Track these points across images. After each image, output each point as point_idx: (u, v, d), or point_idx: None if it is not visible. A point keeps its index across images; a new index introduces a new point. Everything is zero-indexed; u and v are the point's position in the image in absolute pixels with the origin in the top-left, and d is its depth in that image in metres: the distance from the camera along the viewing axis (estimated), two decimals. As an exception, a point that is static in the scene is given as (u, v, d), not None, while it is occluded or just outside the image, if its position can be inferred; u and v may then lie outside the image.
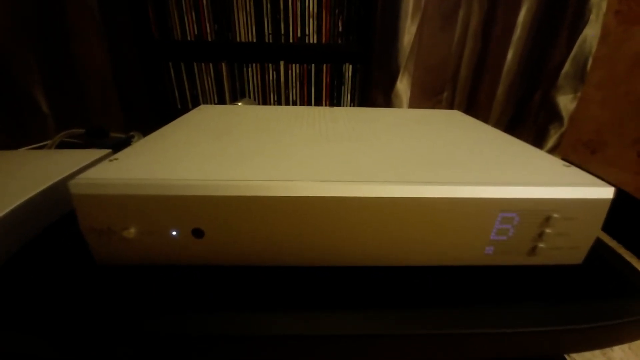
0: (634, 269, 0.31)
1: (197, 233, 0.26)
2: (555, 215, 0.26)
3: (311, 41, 1.20)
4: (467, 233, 0.26)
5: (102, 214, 0.25)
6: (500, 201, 0.25)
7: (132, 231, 0.25)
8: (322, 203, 0.25)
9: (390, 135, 0.38)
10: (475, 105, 1.33)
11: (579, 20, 1.11)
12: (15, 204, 0.30)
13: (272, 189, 0.24)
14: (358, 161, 0.30)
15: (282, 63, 1.22)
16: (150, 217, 0.25)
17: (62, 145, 0.74)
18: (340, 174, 0.26)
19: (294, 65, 1.23)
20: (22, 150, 0.60)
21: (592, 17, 1.09)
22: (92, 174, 0.25)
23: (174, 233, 0.26)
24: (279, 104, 1.28)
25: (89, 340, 0.24)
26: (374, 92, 1.28)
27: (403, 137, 0.38)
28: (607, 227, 0.27)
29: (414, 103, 1.31)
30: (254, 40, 1.19)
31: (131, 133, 0.73)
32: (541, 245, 0.27)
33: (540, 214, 0.26)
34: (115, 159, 0.28)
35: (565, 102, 1.21)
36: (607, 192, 0.26)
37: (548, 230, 0.26)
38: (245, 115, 0.45)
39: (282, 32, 1.18)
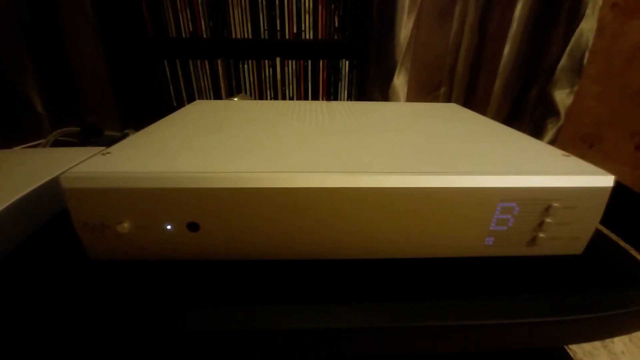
0: (634, 259, 0.31)
1: (192, 227, 0.25)
2: (556, 205, 0.26)
3: (307, 37, 1.19)
4: (466, 224, 0.26)
5: (95, 208, 0.24)
6: (499, 190, 0.25)
7: (125, 226, 0.24)
8: (319, 194, 0.24)
9: (388, 128, 0.38)
10: (472, 101, 1.33)
11: (576, 14, 1.11)
12: (9, 202, 0.30)
13: (268, 180, 0.24)
14: (356, 152, 0.29)
15: (278, 59, 1.21)
16: (144, 210, 0.24)
17: (56, 144, 0.73)
18: (337, 165, 0.26)
19: (290, 61, 1.22)
20: (16, 149, 0.60)
21: (589, 11, 1.09)
22: (84, 167, 0.25)
23: (169, 227, 0.25)
24: (276, 100, 1.27)
25: (87, 339, 0.23)
26: (371, 88, 1.27)
27: (401, 129, 0.38)
28: (605, 220, 0.27)
29: (411, 99, 1.31)
30: (250, 36, 1.18)
31: (126, 131, 0.73)
32: (541, 235, 0.27)
33: (540, 204, 0.26)
34: (108, 153, 0.28)
35: (562, 97, 1.21)
36: (607, 181, 0.26)
37: (548, 220, 0.26)
38: (241, 110, 0.44)
39: (278, 28, 1.17)
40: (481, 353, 0.34)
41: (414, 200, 0.25)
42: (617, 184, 0.26)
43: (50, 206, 0.34)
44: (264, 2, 1.13)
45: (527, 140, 0.34)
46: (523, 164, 0.28)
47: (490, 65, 1.25)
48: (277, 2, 1.14)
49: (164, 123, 0.37)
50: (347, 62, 1.23)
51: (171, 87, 1.24)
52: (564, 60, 1.17)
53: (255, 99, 1.26)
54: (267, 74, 1.24)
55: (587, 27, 1.11)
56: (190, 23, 1.15)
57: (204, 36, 1.17)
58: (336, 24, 1.18)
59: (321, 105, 0.49)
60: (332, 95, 1.28)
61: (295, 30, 1.18)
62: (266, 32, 1.18)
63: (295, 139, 0.32)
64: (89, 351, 0.24)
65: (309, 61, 1.22)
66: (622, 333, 0.28)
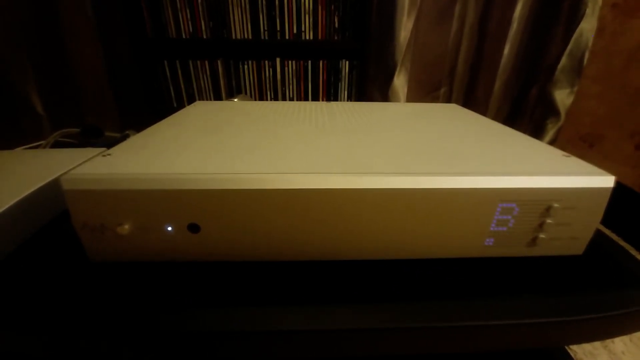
0: (634, 259, 0.31)
1: (193, 228, 0.25)
2: (556, 205, 0.26)
3: (307, 37, 1.19)
4: (466, 224, 0.26)
5: (95, 210, 0.24)
6: (499, 191, 0.25)
7: (126, 227, 0.24)
8: (320, 195, 0.24)
9: (388, 128, 0.38)
10: (472, 101, 1.33)
11: (576, 14, 1.11)
12: (10, 203, 0.30)
13: (268, 181, 0.24)
14: (356, 153, 0.29)
15: (278, 60, 1.21)
16: (145, 212, 0.24)
17: (56, 145, 0.73)
18: (338, 166, 0.26)
19: (290, 62, 1.22)
20: (17, 150, 0.60)
21: (589, 10, 1.09)
22: (85, 169, 0.25)
23: (169, 228, 0.25)
24: (276, 101, 1.27)
25: (87, 339, 0.23)
26: (370, 89, 1.27)
27: (401, 129, 0.38)
28: (605, 220, 0.27)
29: (411, 99, 1.31)
30: (250, 37, 1.18)
31: (126, 132, 0.73)
32: (542, 235, 0.27)
33: (540, 204, 0.26)
34: (109, 154, 0.28)
35: (562, 97, 1.21)
36: (607, 181, 0.26)
37: (548, 221, 0.26)
38: (241, 111, 0.44)
39: (278, 28, 1.17)
40: (481, 353, 0.34)
41: (414, 201, 0.25)
42: (617, 184, 0.26)
43: (51, 207, 0.34)
44: (263, 3, 1.13)
45: (527, 140, 0.34)
46: (523, 164, 0.28)
47: (490, 65, 1.25)
48: (277, 2, 1.14)
49: (164, 124, 0.37)
50: (347, 62, 1.23)
51: (171, 88, 1.24)
52: (563, 60, 1.17)
53: (255, 100, 1.26)
54: (267, 75, 1.24)
55: (587, 27, 1.11)
56: (190, 23, 1.15)
57: (204, 37, 1.17)
58: (336, 25, 1.18)
59: (321, 105, 0.49)
60: (332, 95, 1.28)
61: (295, 31, 1.18)
62: (266, 32, 1.18)
63: (296, 140, 0.32)
64: (89, 351, 0.24)
65: (309, 61, 1.22)
66: (622, 333, 0.28)
